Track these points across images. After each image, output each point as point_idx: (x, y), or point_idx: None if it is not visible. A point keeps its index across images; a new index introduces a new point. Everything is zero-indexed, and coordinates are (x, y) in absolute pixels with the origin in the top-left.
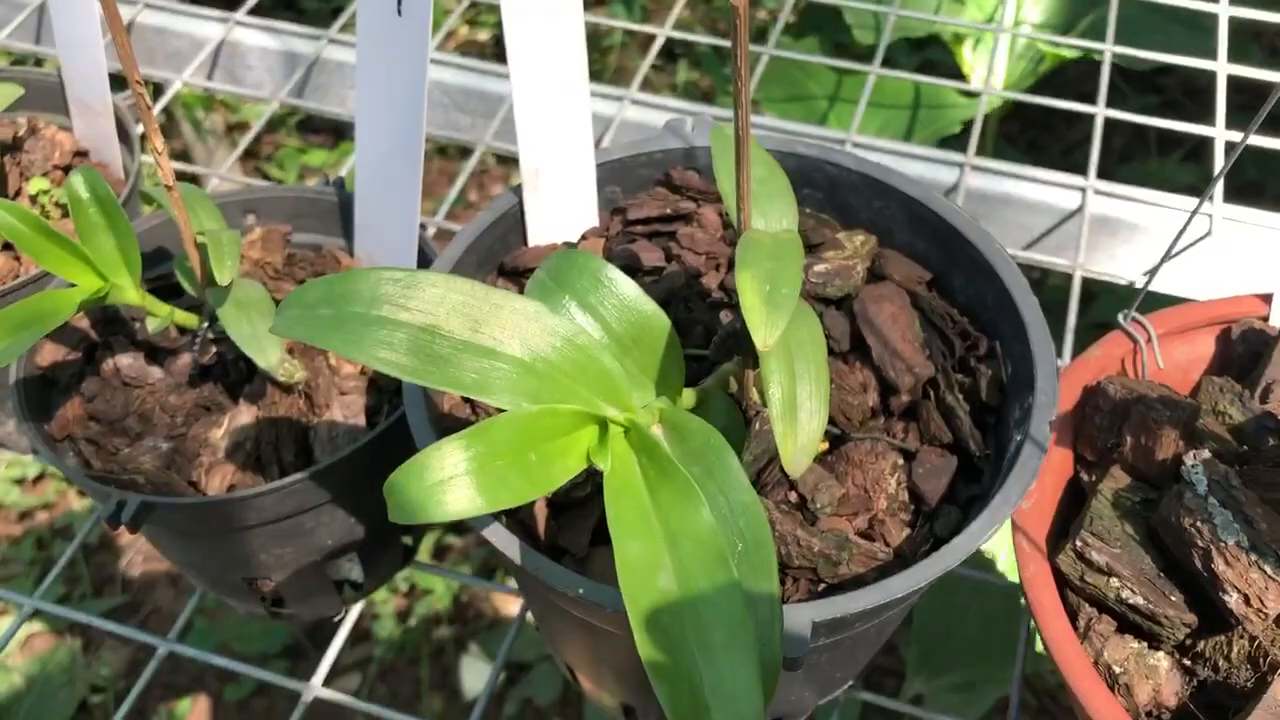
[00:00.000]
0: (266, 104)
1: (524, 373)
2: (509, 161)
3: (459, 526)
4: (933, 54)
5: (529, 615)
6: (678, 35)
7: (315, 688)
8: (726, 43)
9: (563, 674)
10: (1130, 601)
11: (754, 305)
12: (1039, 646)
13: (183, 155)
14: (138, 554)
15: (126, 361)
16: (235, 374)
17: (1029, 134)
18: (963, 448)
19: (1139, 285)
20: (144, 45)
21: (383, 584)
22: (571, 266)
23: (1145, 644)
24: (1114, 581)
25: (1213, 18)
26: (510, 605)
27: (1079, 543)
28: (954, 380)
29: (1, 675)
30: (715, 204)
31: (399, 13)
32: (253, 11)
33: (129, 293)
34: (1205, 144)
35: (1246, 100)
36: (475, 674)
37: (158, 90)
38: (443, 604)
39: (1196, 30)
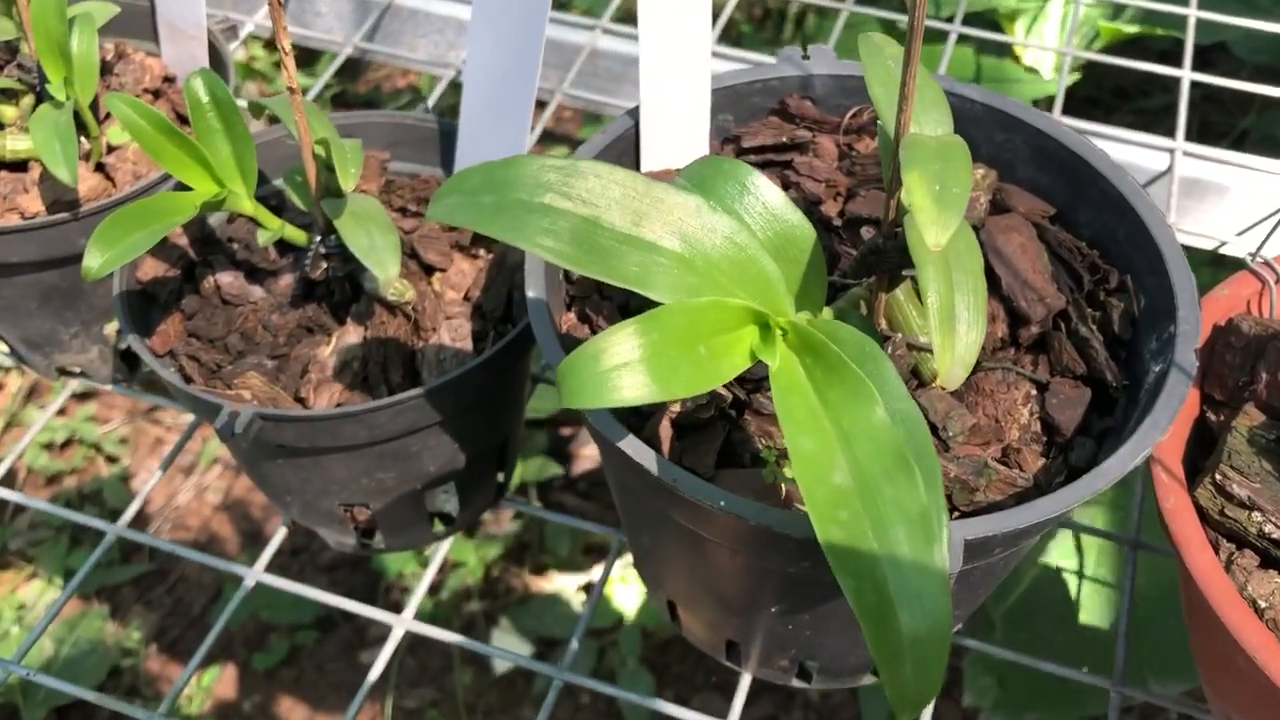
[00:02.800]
0: (338, 51)
1: (684, 269)
2: (547, 141)
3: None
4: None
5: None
6: None
7: (406, 620)
8: None
9: (662, 612)
10: (1274, 536)
11: (924, 205)
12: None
13: None
14: (165, 522)
15: (227, 280)
16: (340, 294)
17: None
18: (1096, 379)
19: (1226, 249)
20: None
21: (473, 519)
22: (717, 173)
23: None
24: (1256, 515)
25: None
26: (540, 581)
27: (1219, 476)
28: (1086, 312)
29: None
30: (831, 134)
31: None
32: None
33: (244, 201)
34: (1245, 136)
35: None
36: (506, 648)
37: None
38: (474, 578)
39: (1254, 10)
